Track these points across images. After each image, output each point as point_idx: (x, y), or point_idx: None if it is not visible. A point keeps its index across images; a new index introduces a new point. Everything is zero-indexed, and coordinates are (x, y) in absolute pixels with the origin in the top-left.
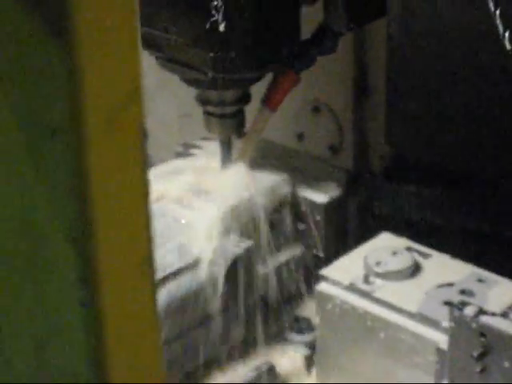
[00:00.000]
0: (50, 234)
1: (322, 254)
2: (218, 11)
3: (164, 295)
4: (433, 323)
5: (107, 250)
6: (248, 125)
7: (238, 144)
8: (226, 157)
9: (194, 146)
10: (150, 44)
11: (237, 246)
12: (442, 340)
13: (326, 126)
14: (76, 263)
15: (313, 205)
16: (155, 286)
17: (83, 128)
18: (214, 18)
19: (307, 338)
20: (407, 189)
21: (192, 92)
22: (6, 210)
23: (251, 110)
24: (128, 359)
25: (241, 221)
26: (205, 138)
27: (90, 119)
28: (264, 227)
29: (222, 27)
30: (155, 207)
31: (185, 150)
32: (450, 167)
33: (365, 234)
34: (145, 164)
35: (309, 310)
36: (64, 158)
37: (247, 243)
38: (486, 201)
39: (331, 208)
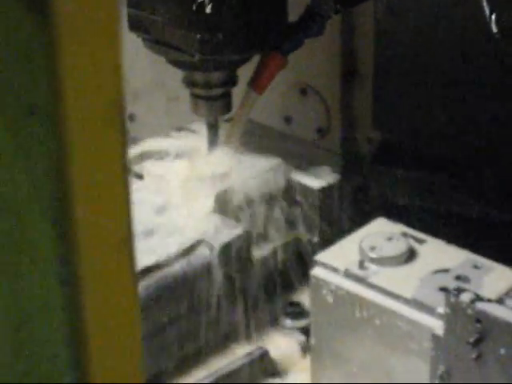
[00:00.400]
0: (30, 212)
1: (316, 240)
2: None
3: (158, 280)
4: (428, 309)
5: (86, 229)
6: (235, 107)
7: (224, 126)
8: (213, 139)
9: (188, 130)
10: (136, 26)
11: (230, 230)
12: (437, 326)
13: (314, 108)
14: (55, 242)
15: (307, 190)
16: (135, 264)
17: (62, 106)
18: (201, 0)
19: (301, 323)
20: (395, 172)
21: (179, 75)
22: None
23: (238, 93)
24: (107, 338)
25: (234, 205)
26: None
27: (70, 97)
28: (257, 212)
29: (208, 9)
30: (146, 192)
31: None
32: (436, 151)
33: (360, 219)
34: (125, 142)
35: (303, 295)
36: (43, 137)
37: (241, 228)
38: (473, 184)
39: (326, 193)
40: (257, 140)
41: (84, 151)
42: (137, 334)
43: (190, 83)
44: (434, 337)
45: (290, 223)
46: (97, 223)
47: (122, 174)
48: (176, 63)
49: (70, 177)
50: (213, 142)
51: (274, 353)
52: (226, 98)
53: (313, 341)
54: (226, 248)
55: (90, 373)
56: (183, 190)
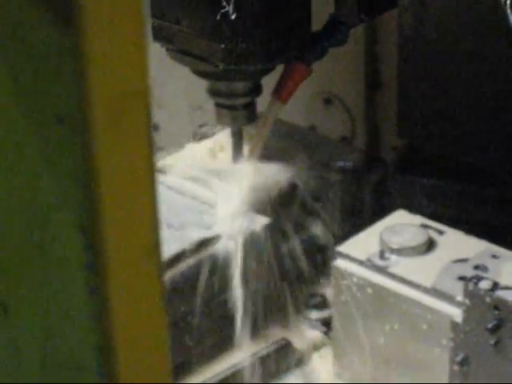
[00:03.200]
0: (58, 221)
1: (337, 232)
2: (228, 2)
3: (181, 271)
4: (447, 297)
5: (114, 237)
6: (259, 116)
7: (249, 136)
8: (238, 149)
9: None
10: (160, 36)
11: (254, 222)
12: (456, 314)
13: (338, 117)
14: (83, 250)
15: (328, 183)
16: (162, 271)
17: (90, 115)
18: (225, 9)
19: (323, 314)
20: (420, 181)
21: (203, 84)
22: (13, 197)
23: (262, 102)
24: (135, 346)
25: (257, 199)
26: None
27: (97, 106)
28: (279, 205)
29: (232, 18)
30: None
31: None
32: (462, 159)
33: (380, 211)
34: (152, 150)
35: (325, 286)
36: (71, 146)
37: (264, 220)
38: (500, 193)
39: (347, 186)
40: (278, 136)
41: (111, 159)
42: (164, 342)
43: (214, 93)
44: (454, 324)
45: (312, 216)
46: (124, 230)
47: (149, 181)
48: (200, 73)
49: (97, 185)
50: (237, 151)
51: (297, 343)
52: (250, 108)
53: (335, 331)
54: (249, 240)
55: (118, 381)
56: (208, 185)
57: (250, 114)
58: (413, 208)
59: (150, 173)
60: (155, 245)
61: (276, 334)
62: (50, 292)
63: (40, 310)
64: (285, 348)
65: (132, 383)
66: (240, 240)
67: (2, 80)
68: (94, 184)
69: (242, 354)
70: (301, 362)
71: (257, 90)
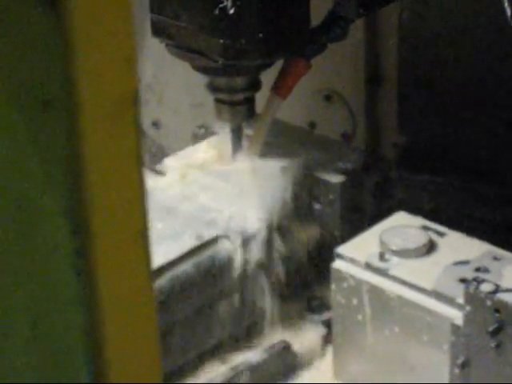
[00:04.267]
0: (45, 205)
1: (337, 233)
2: None
3: (181, 273)
4: (448, 300)
5: (102, 222)
6: (258, 112)
7: (248, 131)
8: (237, 144)
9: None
10: (160, 31)
11: (253, 223)
12: (457, 316)
13: (338, 114)
14: (71, 235)
15: (328, 184)
16: (150, 257)
17: (77, 99)
18: (224, 4)
19: (323, 316)
20: (420, 177)
21: (204, 81)
22: (0, 183)
23: (261, 98)
24: (124, 331)
25: (257, 199)
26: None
27: (84, 90)
28: (279, 206)
29: (230, 12)
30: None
31: (204, 132)
32: (463, 156)
33: (380, 213)
34: (138, 134)
35: (325, 288)
36: (57, 130)
37: (264, 221)
38: (499, 190)
39: (347, 187)
40: (278, 136)
41: (98, 144)
42: (153, 327)
43: (213, 88)
44: (454, 327)
45: (312, 218)
46: (112, 215)
47: (136, 165)
48: (200, 68)
49: (84, 169)
50: (236, 146)
51: (296, 346)
52: (250, 103)
53: (335, 333)
54: (248, 241)
55: (107, 366)
56: (208, 184)
57: (249, 109)
58: (412, 205)
59: (137, 157)
60: (143, 229)
61: (276, 336)
62: (38, 277)
63: (27, 296)
64: (285, 350)
65: (120, 370)
66: (239, 241)
67: None
68: (82, 169)
69: (242, 357)
70: (301, 364)
71: (256, 85)
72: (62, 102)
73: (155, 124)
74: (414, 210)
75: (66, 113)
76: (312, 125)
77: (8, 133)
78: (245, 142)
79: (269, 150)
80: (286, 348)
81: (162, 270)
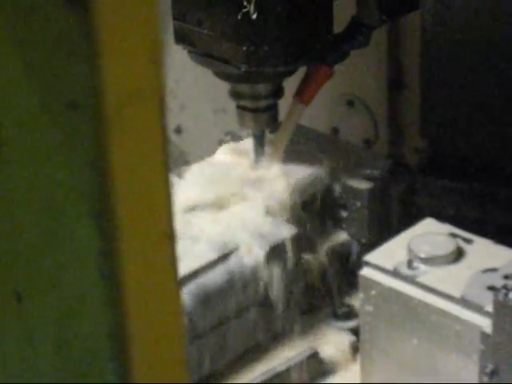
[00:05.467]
0: (71, 207)
1: (365, 241)
2: (249, 3)
3: (205, 283)
4: (477, 308)
5: (128, 224)
6: (281, 119)
7: (271, 138)
8: (260, 151)
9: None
10: (182, 38)
11: (281, 232)
12: (485, 324)
13: (361, 120)
14: (97, 237)
15: (355, 191)
16: (176, 258)
17: (103, 101)
18: (246, 10)
19: (351, 324)
20: (443, 183)
21: (227, 87)
22: (26, 184)
23: (284, 104)
24: (149, 332)
25: (282, 208)
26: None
27: (111, 91)
28: (305, 214)
29: (253, 18)
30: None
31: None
32: (486, 161)
33: (407, 220)
34: (165, 137)
35: (353, 296)
36: (84, 132)
37: (291, 229)
38: None
39: (374, 194)
40: (303, 143)
41: (125, 145)
42: (180, 328)
43: (236, 95)
44: (483, 335)
45: (339, 225)
46: (138, 217)
47: (162, 168)
48: (222, 75)
49: (110, 171)
50: (259, 153)
51: (324, 353)
52: (272, 110)
53: (362, 341)
54: (275, 249)
55: (132, 367)
56: (233, 193)
57: (272, 116)
58: (436, 211)
59: (163, 159)
60: (169, 231)
61: (303, 343)
62: (64, 280)
63: (54, 298)
64: (312, 357)
65: (146, 371)
66: (267, 249)
67: (15, 65)
68: (108, 171)
69: (270, 364)
70: (328, 372)
71: (279, 92)
72: (89, 104)
73: (177, 130)
74: (437, 216)
75: (93, 115)
76: (334, 131)
77: (35, 135)
78: (267, 149)
79: (294, 156)
80: (314, 355)
81: (189, 277)
